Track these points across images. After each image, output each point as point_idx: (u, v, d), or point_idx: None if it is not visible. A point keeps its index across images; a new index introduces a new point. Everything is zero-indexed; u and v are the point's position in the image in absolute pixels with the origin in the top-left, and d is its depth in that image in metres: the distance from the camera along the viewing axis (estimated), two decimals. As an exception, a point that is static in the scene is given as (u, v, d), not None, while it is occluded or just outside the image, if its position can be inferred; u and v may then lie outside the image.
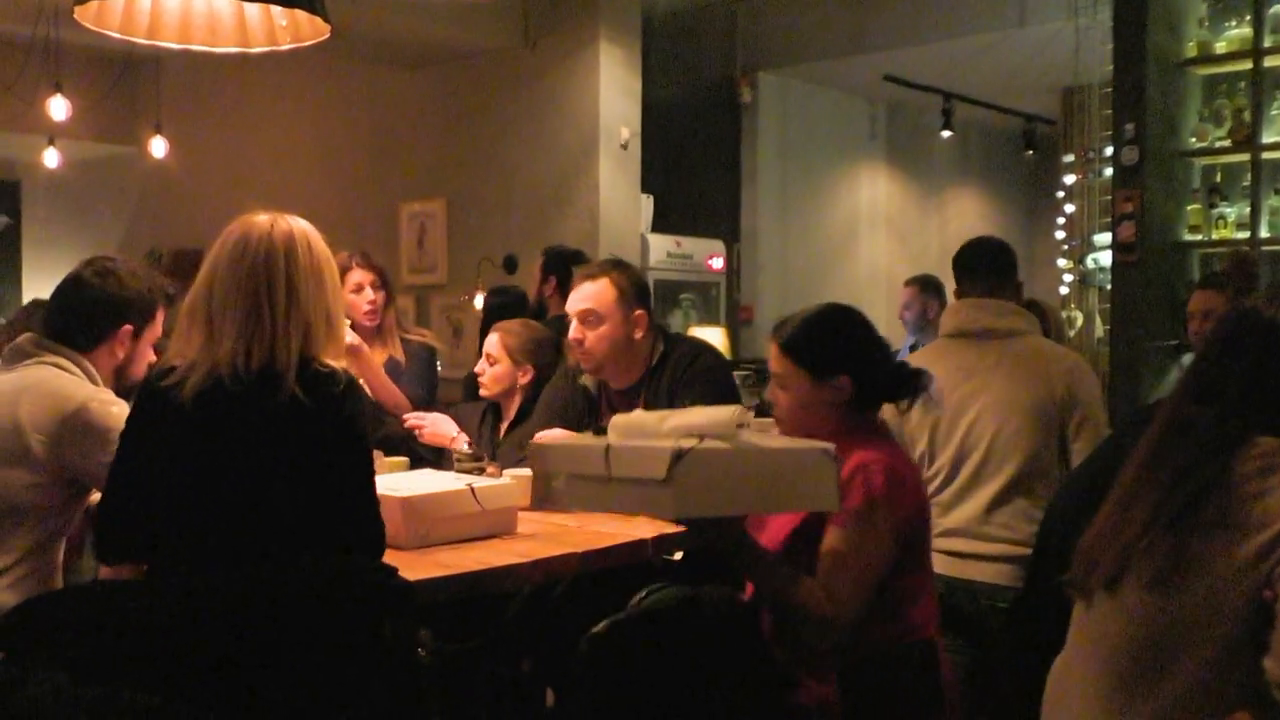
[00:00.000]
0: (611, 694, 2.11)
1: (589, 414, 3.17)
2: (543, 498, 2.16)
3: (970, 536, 2.94)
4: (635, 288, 3.14)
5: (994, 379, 2.97)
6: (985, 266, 3.14)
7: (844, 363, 2.25)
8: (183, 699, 1.73)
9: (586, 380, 3.21)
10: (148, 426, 2.05)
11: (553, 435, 2.89)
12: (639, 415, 2.18)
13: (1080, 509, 1.83)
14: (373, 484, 2.07)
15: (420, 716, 1.98)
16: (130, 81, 7.96)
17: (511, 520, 2.63)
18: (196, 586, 1.90)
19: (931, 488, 2.98)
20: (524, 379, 3.40)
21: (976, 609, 2.89)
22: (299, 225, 2.11)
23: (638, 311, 3.10)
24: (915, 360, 3.08)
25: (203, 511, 1.99)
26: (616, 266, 3.18)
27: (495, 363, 3.43)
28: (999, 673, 2.46)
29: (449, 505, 2.52)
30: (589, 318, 3.07)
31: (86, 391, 2.46)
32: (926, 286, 5.70)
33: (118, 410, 2.44)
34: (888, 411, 2.53)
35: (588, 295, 3.09)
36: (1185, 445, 1.68)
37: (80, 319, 2.56)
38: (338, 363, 2.07)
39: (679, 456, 1.82)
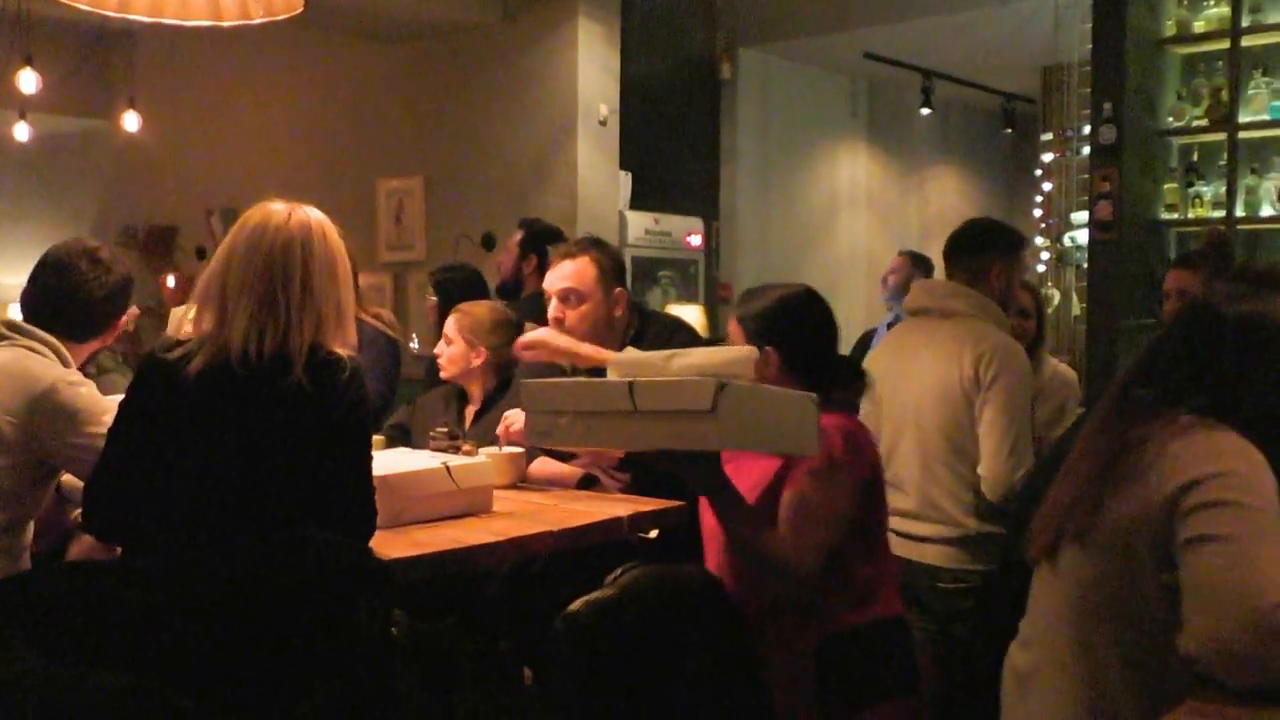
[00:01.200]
0: (587, 672, 2.11)
1: None
2: (543, 434, 2.11)
3: (909, 517, 2.98)
4: (614, 265, 3.14)
5: (920, 358, 3.01)
6: (959, 251, 3.15)
7: (772, 335, 2.28)
8: (156, 679, 1.72)
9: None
10: (148, 399, 2.06)
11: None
12: (641, 354, 2.23)
13: (1045, 486, 1.87)
14: (369, 471, 2.09)
15: (394, 696, 1.97)
16: (102, 54, 7.86)
17: (487, 499, 2.62)
18: (169, 567, 1.89)
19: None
20: (477, 360, 3.34)
21: (917, 588, 2.95)
22: (315, 216, 2.15)
23: (617, 289, 3.11)
24: (887, 338, 3.11)
25: (197, 490, 1.99)
26: (595, 245, 3.17)
27: (451, 344, 3.38)
28: (973, 646, 2.49)
29: (424, 484, 2.51)
30: (569, 297, 3.06)
31: (56, 373, 2.45)
32: (918, 261, 5.76)
33: (86, 391, 2.44)
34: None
35: (568, 274, 3.08)
36: (1123, 422, 1.75)
37: (82, 312, 2.60)
38: (344, 350, 2.08)
39: (721, 388, 1.85)
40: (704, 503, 2.35)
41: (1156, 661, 1.57)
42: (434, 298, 4.70)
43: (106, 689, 1.67)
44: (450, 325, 3.42)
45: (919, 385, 2.97)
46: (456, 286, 4.56)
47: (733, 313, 2.38)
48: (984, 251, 3.11)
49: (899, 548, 2.97)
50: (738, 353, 2.06)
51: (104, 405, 2.40)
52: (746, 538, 2.13)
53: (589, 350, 3.00)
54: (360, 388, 2.05)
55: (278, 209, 2.11)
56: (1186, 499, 1.60)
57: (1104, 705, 1.70)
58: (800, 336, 2.31)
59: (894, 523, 3.01)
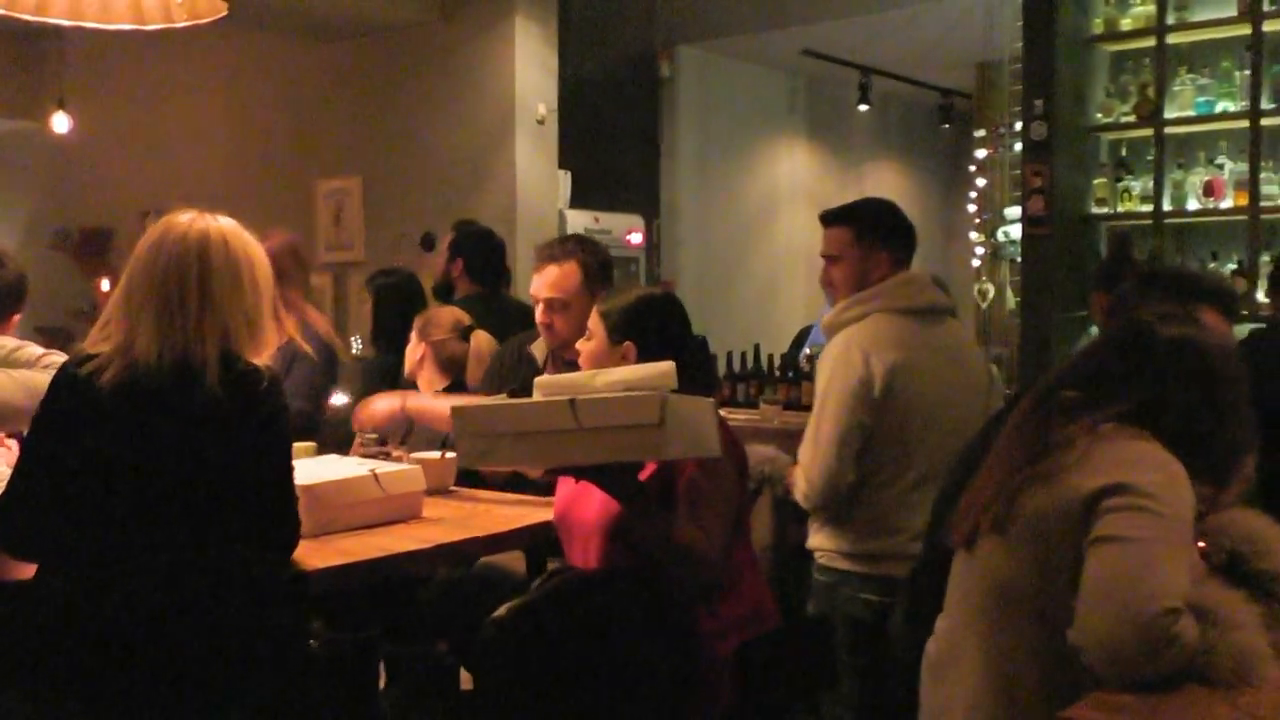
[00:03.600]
0: (515, 676, 2.12)
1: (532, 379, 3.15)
2: (481, 455, 2.17)
3: None
4: (601, 267, 3.10)
5: (963, 360, 2.95)
6: (913, 238, 3.10)
7: (630, 330, 2.44)
8: (66, 700, 1.70)
9: (535, 349, 3.18)
10: (61, 412, 2.02)
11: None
12: (563, 376, 2.26)
13: (966, 479, 1.91)
14: (291, 481, 2.07)
15: (312, 708, 1.96)
16: (30, 55, 7.72)
17: (416, 505, 2.61)
18: (83, 583, 1.86)
19: (911, 478, 2.80)
20: (418, 355, 3.49)
21: None
22: (217, 225, 2.11)
23: (603, 292, 3.05)
24: (869, 333, 2.87)
25: (112, 505, 1.96)
26: (583, 247, 3.11)
27: (410, 341, 3.55)
28: (897, 639, 2.52)
29: (352, 492, 2.49)
30: (555, 304, 3.02)
31: None
32: None
33: None
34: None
35: (554, 283, 3.02)
36: (1047, 420, 1.80)
37: None
38: (260, 360, 2.06)
39: (664, 401, 1.95)
40: (564, 502, 2.46)
41: (1066, 654, 1.60)
42: (369, 302, 4.70)
43: (15, 714, 1.64)
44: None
45: (971, 390, 2.94)
46: (392, 290, 4.55)
47: (597, 307, 2.54)
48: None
49: None
50: (658, 368, 2.12)
51: None
52: (662, 537, 2.19)
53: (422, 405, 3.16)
54: (279, 397, 2.04)
55: (180, 220, 2.09)
56: (1105, 501, 1.64)
57: (1012, 693, 1.73)
58: (656, 332, 2.46)
59: None
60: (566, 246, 3.10)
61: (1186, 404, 1.76)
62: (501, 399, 2.34)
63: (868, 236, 2.99)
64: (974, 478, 1.89)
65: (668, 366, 2.11)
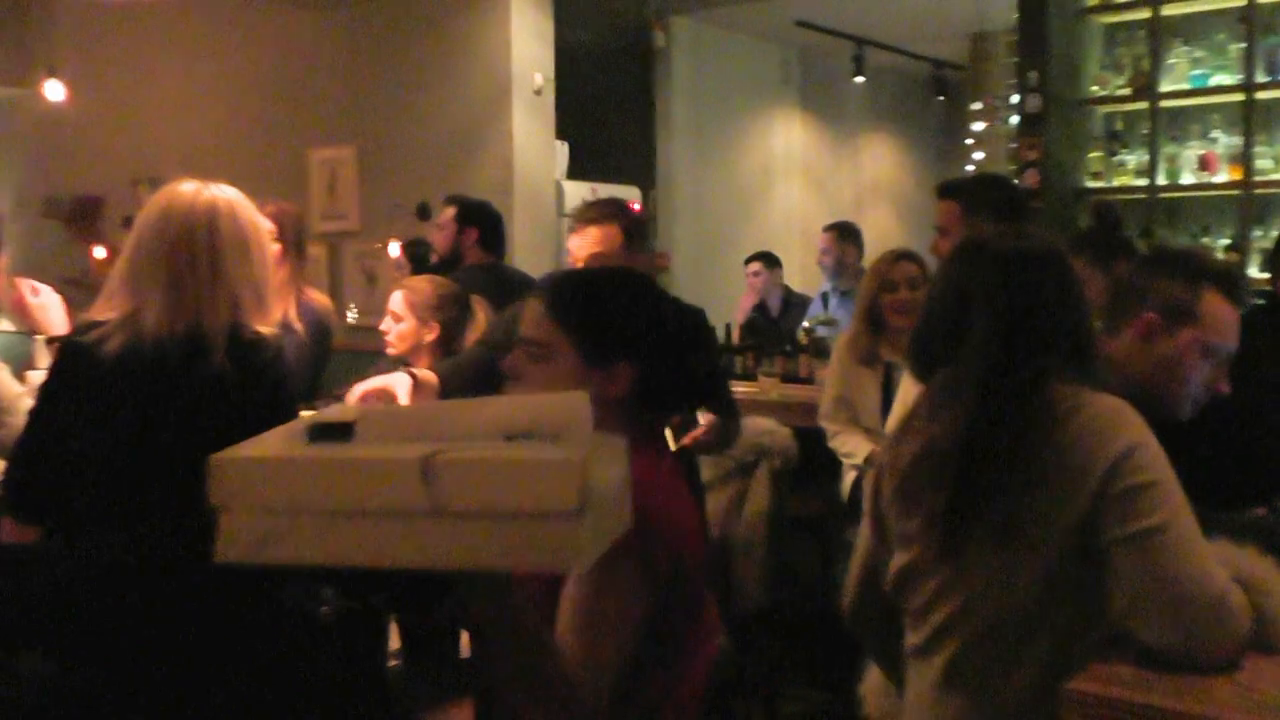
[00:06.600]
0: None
1: None
2: (257, 544, 1.19)
3: None
4: (639, 230, 3.06)
5: None
6: (1019, 214, 3.08)
7: (627, 346, 1.62)
8: (78, 663, 1.72)
9: None
10: (68, 380, 2.04)
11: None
12: (425, 406, 1.61)
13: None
14: None
15: (322, 672, 1.98)
16: (19, 21, 7.66)
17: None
18: (89, 549, 1.88)
19: None
20: (429, 336, 3.34)
21: None
22: (223, 195, 2.11)
23: (641, 257, 3.05)
24: None
25: (119, 472, 1.98)
26: (621, 209, 3.05)
27: (401, 320, 3.37)
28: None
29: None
30: (599, 260, 2.94)
31: None
32: (845, 234, 5.79)
33: None
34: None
35: (599, 240, 2.96)
36: (987, 414, 1.67)
37: None
38: (267, 328, 2.07)
39: (583, 469, 1.09)
40: None
41: (1080, 631, 1.61)
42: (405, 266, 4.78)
43: (27, 676, 1.67)
44: (398, 301, 3.40)
45: None
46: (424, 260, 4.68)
47: (550, 322, 1.64)
48: None
49: None
50: (566, 399, 1.27)
51: None
52: (528, 668, 1.39)
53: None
54: (283, 365, 2.05)
55: (185, 189, 2.09)
56: (1111, 485, 1.56)
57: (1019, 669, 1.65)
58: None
59: None
60: (608, 209, 3.05)
61: (1058, 316, 1.69)
62: (294, 438, 1.30)
63: (972, 212, 3.00)
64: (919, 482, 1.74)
65: (579, 395, 1.27)
